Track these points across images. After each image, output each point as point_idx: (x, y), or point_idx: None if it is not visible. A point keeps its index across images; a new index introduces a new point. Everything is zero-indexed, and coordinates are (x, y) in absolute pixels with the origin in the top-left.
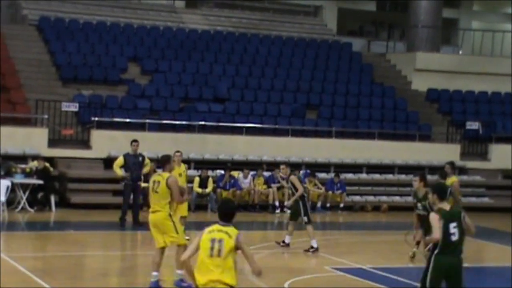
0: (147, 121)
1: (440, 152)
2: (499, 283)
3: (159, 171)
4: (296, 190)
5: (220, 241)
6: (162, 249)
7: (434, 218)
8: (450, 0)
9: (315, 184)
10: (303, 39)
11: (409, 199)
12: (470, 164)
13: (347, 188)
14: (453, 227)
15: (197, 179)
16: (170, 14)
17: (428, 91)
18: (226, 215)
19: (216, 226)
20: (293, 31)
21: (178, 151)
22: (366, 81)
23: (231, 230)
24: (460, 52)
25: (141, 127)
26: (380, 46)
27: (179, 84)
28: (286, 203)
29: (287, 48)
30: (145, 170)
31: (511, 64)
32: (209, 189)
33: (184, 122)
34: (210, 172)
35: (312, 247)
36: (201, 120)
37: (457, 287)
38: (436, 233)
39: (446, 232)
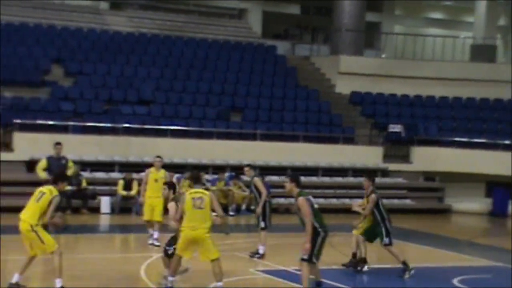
0: (71, 123)
1: (363, 155)
2: (419, 283)
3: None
4: (260, 193)
5: (43, 193)
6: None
7: (171, 206)
8: (373, 4)
9: (240, 187)
10: (228, 42)
11: (333, 201)
12: (392, 166)
13: (272, 190)
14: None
15: (121, 182)
16: (94, 15)
17: (351, 94)
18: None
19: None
20: (218, 34)
21: (158, 157)
22: (291, 84)
23: (52, 189)
24: (383, 56)
25: (64, 129)
26: (304, 49)
27: (103, 86)
28: (257, 209)
29: (212, 51)
30: (69, 172)
31: (432, 68)
32: (133, 191)
33: (108, 125)
34: (134, 175)
35: (258, 253)
36: (126, 123)
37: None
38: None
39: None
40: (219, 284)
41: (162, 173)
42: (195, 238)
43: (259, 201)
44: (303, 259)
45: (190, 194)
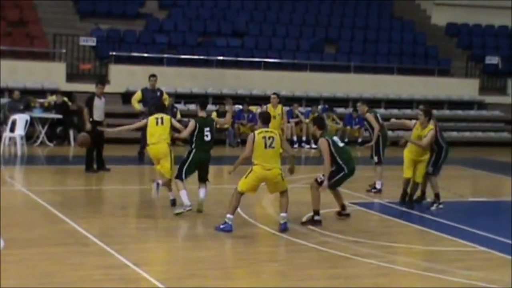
0: (165, 56)
1: (459, 87)
2: None
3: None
4: (373, 129)
5: (162, 119)
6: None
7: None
8: None
9: (333, 119)
10: None
11: None
12: (489, 99)
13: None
14: (206, 131)
15: (214, 114)
16: None
17: (447, 25)
18: (161, 107)
19: (158, 115)
20: None
21: (274, 93)
22: (385, 15)
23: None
24: None
25: (159, 62)
26: None
27: (197, 18)
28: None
29: None
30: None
31: None
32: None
33: (202, 57)
34: (228, 107)
35: (375, 188)
36: (220, 55)
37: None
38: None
39: (201, 134)
40: (284, 214)
41: (279, 109)
42: (268, 178)
43: (372, 136)
44: (316, 180)
45: (260, 133)
